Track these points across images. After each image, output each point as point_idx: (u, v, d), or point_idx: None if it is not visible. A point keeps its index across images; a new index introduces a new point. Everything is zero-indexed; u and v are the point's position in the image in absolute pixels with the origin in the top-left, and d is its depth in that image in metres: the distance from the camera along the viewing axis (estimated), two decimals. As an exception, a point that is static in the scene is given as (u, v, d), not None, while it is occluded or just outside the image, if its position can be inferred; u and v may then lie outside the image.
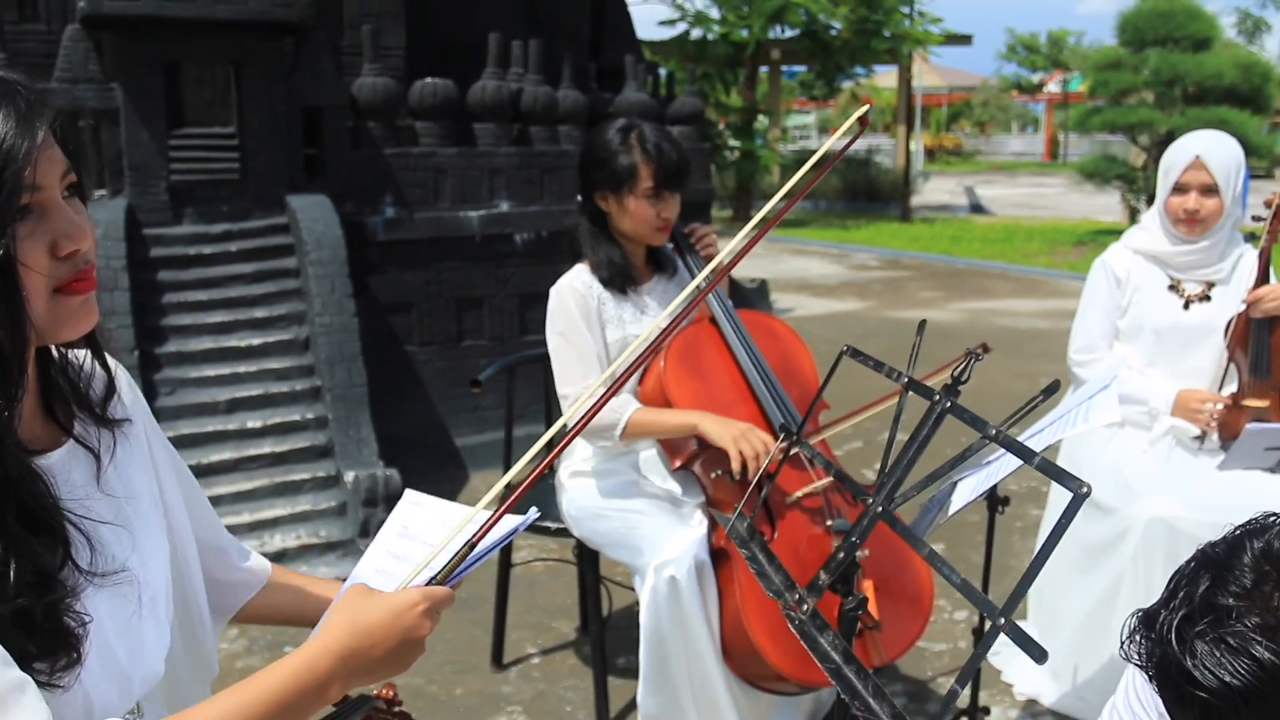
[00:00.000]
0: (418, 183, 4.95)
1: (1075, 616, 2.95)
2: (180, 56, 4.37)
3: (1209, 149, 2.72)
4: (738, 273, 10.04)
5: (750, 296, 8.23)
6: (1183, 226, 2.77)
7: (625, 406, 2.45)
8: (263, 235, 4.53)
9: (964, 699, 2.58)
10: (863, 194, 20.02)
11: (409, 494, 1.34)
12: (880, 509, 1.32)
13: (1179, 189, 2.75)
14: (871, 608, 2.37)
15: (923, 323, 1.51)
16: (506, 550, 3.25)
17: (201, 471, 3.93)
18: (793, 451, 1.64)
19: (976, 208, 20.58)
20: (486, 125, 5.16)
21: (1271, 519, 1.07)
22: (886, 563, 2.46)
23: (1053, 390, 1.33)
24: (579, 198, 2.62)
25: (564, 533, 2.84)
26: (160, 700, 1.23)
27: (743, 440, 2.29)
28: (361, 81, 4.86)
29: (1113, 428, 2.88)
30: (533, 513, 1.22)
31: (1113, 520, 2.81)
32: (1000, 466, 1.82)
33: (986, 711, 2.61)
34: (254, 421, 4.13)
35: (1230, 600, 0.99)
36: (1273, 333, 2.69)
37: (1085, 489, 1.12)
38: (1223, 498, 2.66)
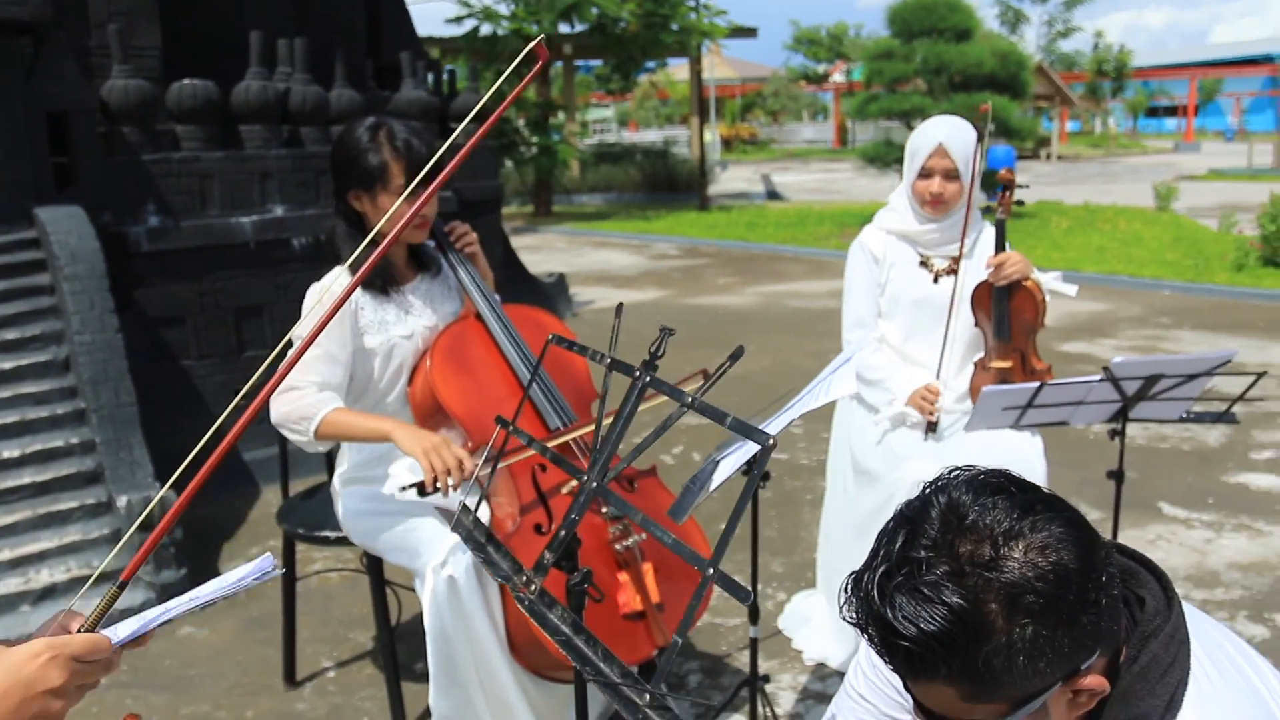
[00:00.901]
0: (182, 189, 4.72)
1: (856, 582, 3.09)
2: (-101, 60, 4.01)
3: (949, 135, 2.88)
4: (535, 267, 10.05)
5: (549, 290, 8.25)
6: (928, 208, 2.95)
7: (323, 404, 2.37)
8: (9, 251, 4.22)
9: (745, 667, 2.67)
10: (663, 184, 20.38)
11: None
12: (595, 484, 1.35)
13: (924, 174, 2.92)
14: (652, 590, 2.42)
15: (619, 306, 1.56)
16: (290, 564, 3.14)
17: (-47, 509, 3.63)
18: (512, 448, 1.64)
19: (772, 194, 21.29)
20: (253, 127, 4.96)
21: (955, 473, 1.15)
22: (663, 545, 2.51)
23: (738, 356, 1.40)
24: (334, 199, 2.54)
25: (345, 541, 2.77)
26: None
27: (434, 453, 2.21)
28: (112, 84, 4.58)
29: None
30: (265, 561, 1.14)
31: (881, 486, 2.96)
32: (750, 445, 1.89)
33: (766, 679, 2.70)
34: (10, 450, 3.85)
35: (922, 552, 1.06)
36: (1011, 298, 2.89)
37: (771, 441, 1.18)
38: (977, 457, 2.82)
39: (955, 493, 1.09)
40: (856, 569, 1.12)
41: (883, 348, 3.10)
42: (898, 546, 1.07)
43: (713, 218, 16.83)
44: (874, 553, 1.10)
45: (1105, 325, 8.16)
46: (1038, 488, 1.10)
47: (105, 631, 1.10)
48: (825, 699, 3.00)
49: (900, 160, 14.72)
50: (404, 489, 2.29)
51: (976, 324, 2.97)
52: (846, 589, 1.12)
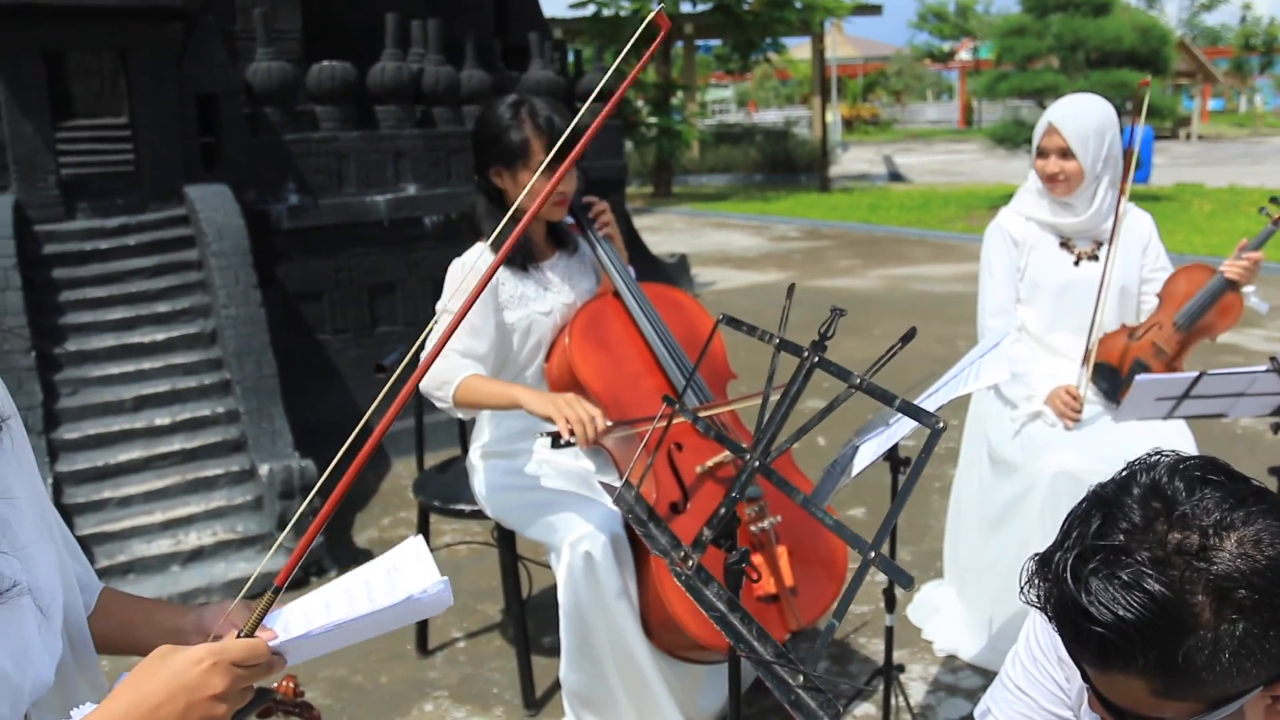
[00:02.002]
0: (320, 168, 4.85)
1: (988, 573, 3.01)
2: (62, 45, 4.21)
3: (1061, 115, 2.84)
4: (657, 248, 10.05)
5: (671, 271, 8.24)
6: (1048, 185, 2.88)
7: (461, 370, 2.40)
8: (161, 228, 4.40)
9: (879, 656, 2.62)
10: (782, 166, 20.16)
11: (414, 542, 1.24)
12: (757, 463, 1.33)
13: (1040, 153, 2.89)
14: (786, 574, 2.40)
15: (791, 287, 1.53)
16: (424, 536, 3.21)
17: (110, 471, 3.82)
18: (675, 420, 1.63)
19: (894, 176, 20.86)
20: (388, 108, 5.07)
21: (1156, 457, 1.09)
22: (800, 529, 2.48)
23: (910, 338, 1.35)
24: (475, 176, 2.58)
25: (481, 514, 2.82)
26: (52, 710, 1.19)
27: (566, 408, 2.22)
28: (256, 66, 4.73)
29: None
30: (437, 584, 1.15)
31: (1019, 477, 2.87)
32: (897, 429, 1.84)
33: (902, 668, 2.65)
34: (162, 418, 4.02)
35: (1121, 537, 1.01)
36: (1224, 293, 2.79)
37: (941, 424, 1.13)
38: (1122, 447, 2.73)
39: (1158, 477, 1.04)
40: (1043, 550, 1.08)
41: (1023, 337, 3.00)
42: (1093, 529, 1.02)
43: (834, 199, 16.57)
44: (1064, 534, 1.05)
45: (1254, 315, 7.74)
46: (1247, 478, 1.04)
47: (273, 624, 1.13)
48: (956, 691, 2.93)
49: (1030, 140, 14.33)
50: (541, 435, 2.30)
51: (1159, 295, 2.87)
52: (1029, 570, 1.07)
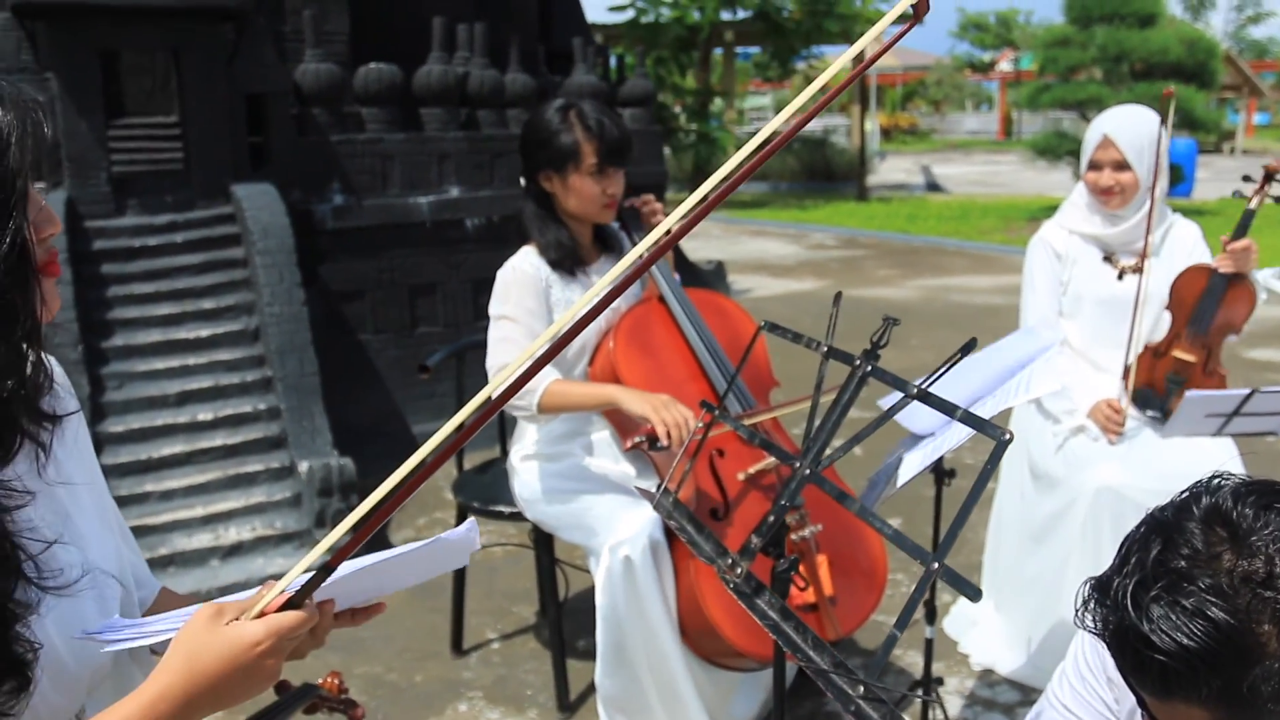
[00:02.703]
0: (365, 169, 4.89)
1: (1027, 588, 2.98)
2: (117, 45, 4.28)
3: (1116, 127, 2.80)
4: (694, 254, 10.05)
5: (708, 278, 8.23)
6: (1102, 199, 2.84)
7: (544, 377, 2.41)
8: (208, 225, 4.46)
9: (918, 670, 2.60)
10: (820, 174, 20.07)
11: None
12: (808, 471, 1.32)
13: (1093, 166, 2.84)
14: (826, 583, 2.39)
15: (838, 295, 1.52)
16: (463, 537, 3.23)
17: (153, 465, 3.87)
18: (713, 429, 1.63)
19: (933, 186, 20.71)
20: (433, 110, 5.11)
21: (1216, 480, 1.07)
22: (840, 538, 2.47)
23: (970, 348, 1.34)
24: (523, 180, 2.59)
25: (518, 517, 2.83)
26: (107, 703, 1.20)
27: (664, 410, 2.24)
28: (305, 68, 4.79)
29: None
30: (465, 525, 1.17)
31: (1061, 491, 2.84)
32: (946, 439, 1.83)
33: (940, 681, 2.63)
34: (205, 414, 4.07)
35: (1182, 563, 0.99)
36: (1227, 290, 2.74)
37: (1007, 435, 1.12)
38: (1167, 464, 2.70)
39: (1221, 502, 1.02)
40: (1098, 575, 1.06)
41: (1065, 350, 2.97)
42: (1153, 555, 1.00)
43: (871, 209, 16.49)
44: (1122, 559, 1.04)
45: (1299, 331, 7.62)
46: None
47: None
48: (994, 706, 2.91)
49: (1072, 152, 14.17)
50: (634, 444, 2.29)
51: (1168, 307, 2.82)
52: (1084, 595, 1.06)
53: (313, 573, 1.03)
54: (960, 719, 2.85)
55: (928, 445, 1.94)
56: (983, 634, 3.19)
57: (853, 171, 19.18)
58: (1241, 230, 2.73)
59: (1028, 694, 2.94)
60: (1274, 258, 10.50)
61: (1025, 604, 3.00)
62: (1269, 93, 37.82)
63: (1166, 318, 2.85)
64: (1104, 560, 2.91)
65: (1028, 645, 2.98)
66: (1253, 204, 2.76)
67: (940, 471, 2.33)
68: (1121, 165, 2.79)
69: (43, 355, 1.15)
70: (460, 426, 0.94)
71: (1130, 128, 2.80)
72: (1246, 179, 2.81)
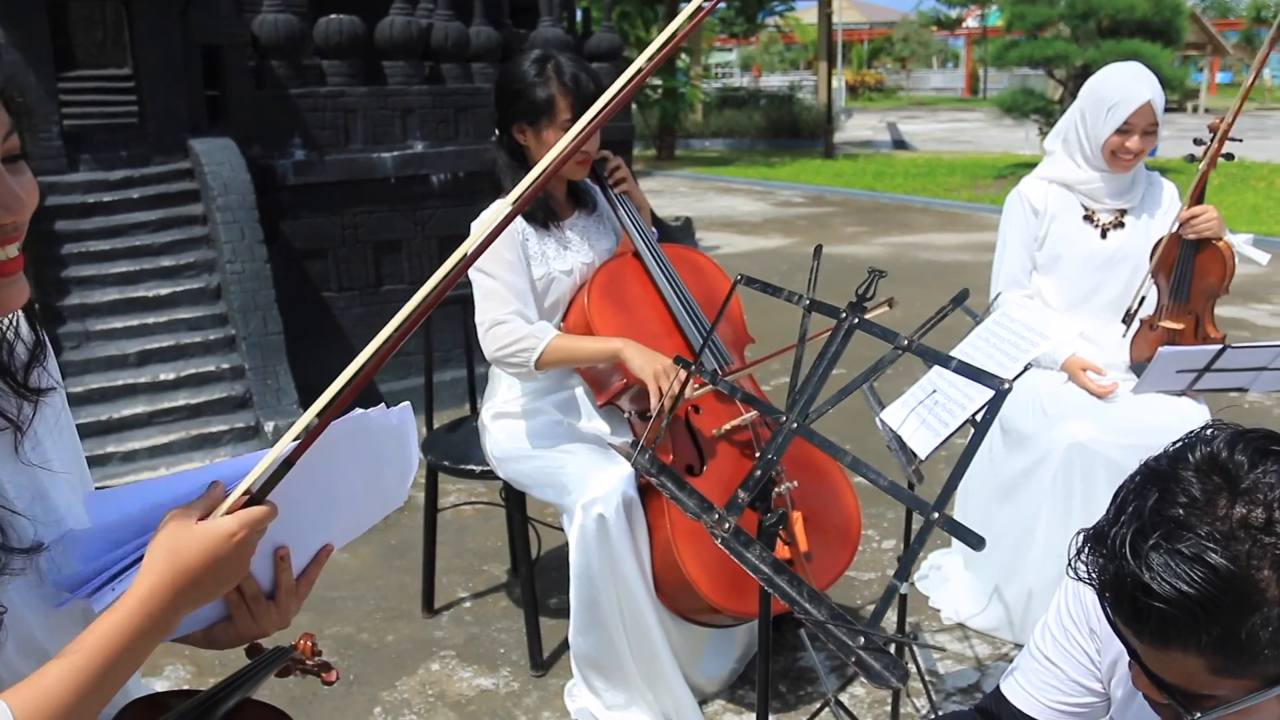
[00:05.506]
0: (327, 124, 4.79)
1: (996, 543, 2.99)
2: (67, -8, 4.14)
3: (1157, 91, 2.75)
4: (662, 211, 9.99)
5: (676, 234, 8.18)
6: (1125, 161, 2.79)
7: (543, 333, 2.38)
8: (165, 181, 4.35)
9: (891, 626, 2.61)
10: (786, 131, 20.00)
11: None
12: (795, 425, 1.30)
13: (1124, 129, 2.76)
14: (801, 539, 2.37)
15: (818, 248, 1.49)
16: (433, 495, 3.19)
17: (114, 426, 3.80)
18: (702, 389, 1.60)
19: (899, 143, 20.71)
20: (396, 63, 5.00)
21: (1210, 430, 1.06)
22: (814, 495, 2.46)
23: (961, 299, 1.32)
24: (496, 131, 2.53)
25: (489, 475, 2.80)
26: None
27: (664, 376, 2.22)
28: (262, 18, 4.65)
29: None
30: (403, 409, 1.20)
31: (1031, 447, 2.85)
32: (965, 402, 1.77)
33: (915, 636, 2.64)
34: (167, 374, 4.00)
35: (1180, 511, 0.98)
36: (1197, 255, 2.73)
37: (1007, 385, 1.10)
38: (1138, 420, 2.71)
39: (1217, 450, 1.01)
40: (1092, 526, 1.05)
41: (1031, 303, 2.96)
42: (1150, 504, 0.99)
43: (839, 166, 16.46)
44: (1118, 509, 1.02)
45: (1260, 289, 7.71)
46: None
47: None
48: (964, 659, 2.93)
49: (1039, 110, 14.19)
50: (628, 415, 2.27)
51: (1153, 279, 2.81)
52: (1078, 545, 1.05)
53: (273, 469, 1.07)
54: (931, 672, 2.86)
55: (938, 409, 1.86)
56: (953, 589, 3.21)
57: (819, 128, 19.12)
58: (1198, 195, 2.71)
59: (998, 646, 2.96)
60: (1237, 215, 10.62)
61: (994, 559, 3.01)
62: (1232, 51, 38.06)
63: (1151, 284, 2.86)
64: (1073, 515, 2.91)
65: (997, 599, 3.00)
66: (1203, 165, 2.73)
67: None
68: (1152, 129, 2.76)
69: (39, 330, 1.18)
70: (408, 317, 0.94)
71: (1159, 91, 2.77)
72: (1198, 141, 2.79)
